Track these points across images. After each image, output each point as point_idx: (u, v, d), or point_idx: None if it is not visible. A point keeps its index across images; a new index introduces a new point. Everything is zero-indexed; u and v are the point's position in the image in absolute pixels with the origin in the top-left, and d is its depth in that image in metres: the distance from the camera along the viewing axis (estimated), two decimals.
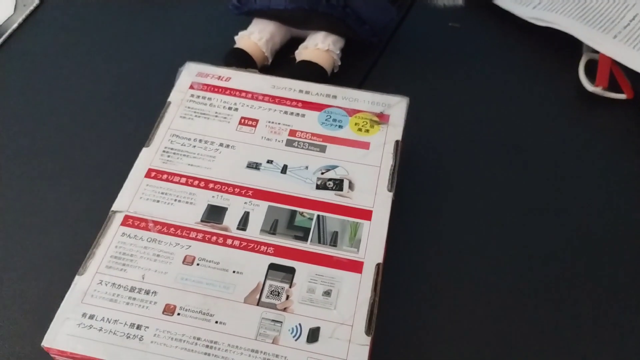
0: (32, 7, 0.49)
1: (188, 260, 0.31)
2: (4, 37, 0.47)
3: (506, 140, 0.43)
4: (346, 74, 0.45)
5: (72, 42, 0.48)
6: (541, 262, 0.36)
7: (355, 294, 0.30)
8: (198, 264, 0.31)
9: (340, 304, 0.30)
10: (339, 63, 0.45)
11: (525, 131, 0.43)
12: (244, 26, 0.46)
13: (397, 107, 0.37)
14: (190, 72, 0.39)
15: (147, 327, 0.29)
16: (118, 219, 0.32)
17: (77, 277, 0.30)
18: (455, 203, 0.39)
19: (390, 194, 0.33)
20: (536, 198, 0.39)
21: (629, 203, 0.39)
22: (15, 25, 0.48)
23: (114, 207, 0.33)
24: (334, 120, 0.37)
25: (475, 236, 0.37)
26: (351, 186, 0.34)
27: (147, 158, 0.35)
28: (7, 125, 0.42)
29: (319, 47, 0.44)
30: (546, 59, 0.48)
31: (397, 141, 0.36)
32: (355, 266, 0.31)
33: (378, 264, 0.31)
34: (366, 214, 0.33)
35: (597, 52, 0.47)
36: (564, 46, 0.48)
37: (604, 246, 0.37)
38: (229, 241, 0.32)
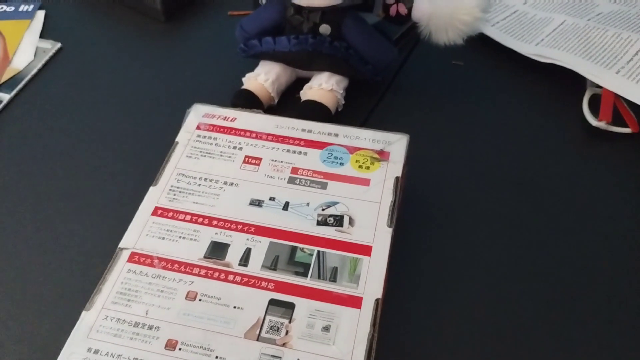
0: (51, 54, 0.52)
1: (190, 296, 0.31)
2: (24, 81, 0.49)
3: (509, 176, 0.43)
4: (350, 112, 0.46)
5: (87, 87, 0.50)
6: (545, 298, 0.36)
7: (354, 329, 0.30)
8: (200, 300, 0.31)
9: (339, 340, 0.30)
10: (343, 102, 0.46)
11: (529, 166, 0.44)
12: (251, 68, 0.47)
13: (397, 144, 0.38)
14: (198, 113, 0.40)
15: None
16: (125, 255, 0.33)
17: (83, 312, 0.31)
18: (455, 239, 0.39)
19: (390, 230, 0.34)
20: (539, 233, 0.39)
21: (634, 237, 0.39)
22: (34, 71, 0.50)
23: (121, 244, 0.34)
24: (335, 157, 0.37)
25: (475, 272, 0.37)
26: (351, 222, 0.34)
27: (154, 196, 0.36)
28: (24, 166, 0.44)
29: (323, 87, 0.45)
30: (550, 95, 0.49)
31: (397, 177, 0.36)
32: (354, 301, 0.31)
33: (377, 299, 0.31)
34: (366, 250, 0.33)
35: (600, 87, 0.47)
36: (567, 82, 0.49)
37: (610, 278, 0.37)
38: (231, 277, 0.32)
